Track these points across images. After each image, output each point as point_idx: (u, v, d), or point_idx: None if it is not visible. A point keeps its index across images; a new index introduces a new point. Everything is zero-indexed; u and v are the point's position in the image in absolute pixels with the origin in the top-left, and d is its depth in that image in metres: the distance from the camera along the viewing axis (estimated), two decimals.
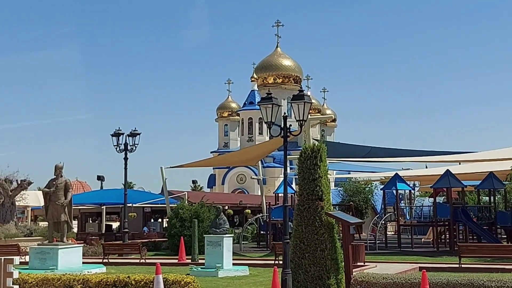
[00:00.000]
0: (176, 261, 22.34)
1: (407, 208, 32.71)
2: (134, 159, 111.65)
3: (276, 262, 19.16)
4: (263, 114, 13.29)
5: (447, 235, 28.95)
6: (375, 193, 40.79)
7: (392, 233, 37.98)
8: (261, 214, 33.64)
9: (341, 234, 13.54)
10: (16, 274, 12.44)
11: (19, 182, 29.70)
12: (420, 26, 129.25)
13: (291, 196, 29.37)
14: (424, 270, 11.75)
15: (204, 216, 27.33)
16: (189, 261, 22.09)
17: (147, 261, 22.07)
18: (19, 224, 30.31)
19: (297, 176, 13.41)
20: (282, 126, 13.32)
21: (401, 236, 29.81)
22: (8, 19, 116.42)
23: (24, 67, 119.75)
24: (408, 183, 32.54)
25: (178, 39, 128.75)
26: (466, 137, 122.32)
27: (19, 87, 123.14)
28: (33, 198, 38.04)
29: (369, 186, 41.02)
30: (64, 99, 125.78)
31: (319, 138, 52.34)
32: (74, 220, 37.13)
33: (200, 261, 21.30)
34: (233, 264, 19.56)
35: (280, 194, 32.92)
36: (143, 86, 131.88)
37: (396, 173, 30.64)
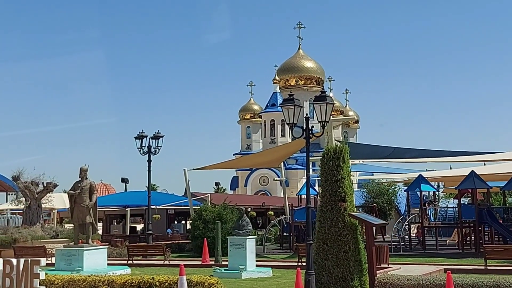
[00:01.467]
0: (199, 262, 22.45)
1: (432, 209, 32.36)
2: (158, 162, 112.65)
3: (300, 263, 19.14)
4: (285, 116, 13.31)
5: (472, 237, 28.62)
6: (399, 195, 40.48)
7: (416, 235, 37.67)
8: (284, 216, 33.62)
9: (364, 236, 13.50)
10: (42, 275, 12.63)
11: (45, 185, 30.00)
12: (443, 24, 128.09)
13: (314, 197, 29.31)
14: (449, 272, 11.63)
15: (227, 218, 27.41)
16: (213, 262, 22.15)
17: (171, 262, 22.19)
18: (46, 226, 30.61)
19: (319, 178, 13.38)
20: (304, 127, 13.31)
21: (426, 238, 29.54)
22: (33, 26, 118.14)
23: (50, 73, 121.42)
24: (432, 184, 32.21)
25: (200, 42, 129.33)
26: (491, 137, 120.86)
27: (46, 91, 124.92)
28: (59, 200, 38.50)
29: (392, 187, 40.71)
30: (89, 103, 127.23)
31: (341, 140, 52.14)
32: (99, 222, 37.52)
33: (224, 262, 21.35)
34: (256, 265, 19.59)
35: (303, 196, 32.86)
36: (166, 89, 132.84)
37: (420, 174, 30.34)
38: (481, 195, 35.55)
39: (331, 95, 64.44)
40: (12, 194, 46.71)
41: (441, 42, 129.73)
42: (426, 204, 30.73)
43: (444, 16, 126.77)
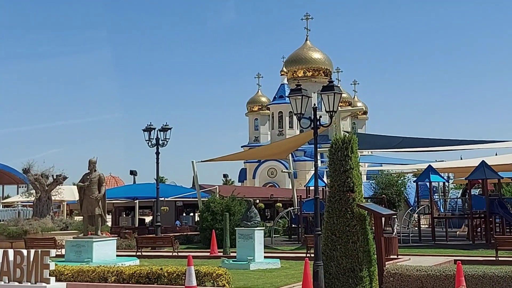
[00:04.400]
0: (208, 254, 22.48)
1: (441, 200, 32.17)
2: (166, 154, 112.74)
3: (308, 254, 19.10)
4: (293, 106, 13.22)
5: (483, 228, 28.44)
6: (408, 186, 40.30)
7: (426, 226, 37.52)
8: (292, 208, 33.60)
9: (373, 226, 13.42)
10: (52, 266, 12.71)
11: (54, 177, 30.16)
12: (452, 13, 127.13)
13: (323, 189, 29.25)
14: (459, 262, 11.53)
15: (235, 209, 27.41)
16: (221, 254, 22.18)
17: (179, 254, 22.23)
18: (55, 218, 30.78)
19: (328, 169, 13.30)
20: (312, 118, 13.23)
21: (435, 229, 29.40)
22: (46, 25, 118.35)
23: (60, 70, 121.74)
24: (442, 175, 32.01)
25: (207, 35, 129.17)
26: (504, 130, 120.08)
27: (57, 88, 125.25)
28: (68, 193, 38.64)
29: (401, 178, 40.54)
30: (98, 97, 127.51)
31: (350, 131, 51.93)
32: (108, 214, 37.64)
33: (232, 254, 21.37)
34: (265, 257, 19.58)
35: (311, 188, 32.78)
36: (174, 82, 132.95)
37: (430, 165, 30.17)
38: (492, 185, 35.31)
39: (339, 86, 64.27)
40: (23, 187, 46.96)
41: (451, 32, 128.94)
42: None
43: (455, 6, 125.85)
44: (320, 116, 13.43)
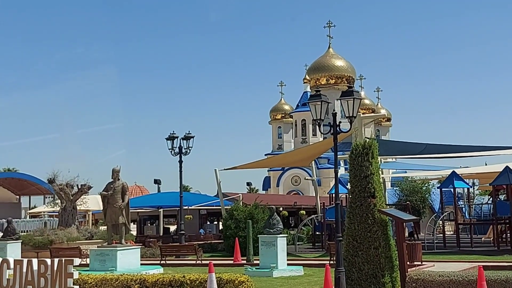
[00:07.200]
0: (231, 262, 22.52)
1: (466, 206, 31.81)
2: (190, 163, 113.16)
3: (331, 261, 19.05)
4: (312, 112, 13.26)
5: (509, 234, 28.06)
6: (433, 192, 39.93)
7: (451, 232, 37.13)
8: (315, 215, 33.50)
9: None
10: (76, 275, 12.82)
11: (79, 187, 30.49)
12: (474, 19, 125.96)
13: (346, 196, 29.13)
14: (481, 266, 11.40)
15: (258, 217, 27.46)
16: (244, 262, 22.21)
17: (203, 262, 22.29)
18: (81, 227, 31.11)
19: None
20: (332, 123, 13.26)
21: (460, 235, 29.09)
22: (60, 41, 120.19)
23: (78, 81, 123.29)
24: (467, 181, 31.69)
25: (231, 43, 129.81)
26: None
27: (76, 95, 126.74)
28: (93, 202, 39.05)
29: (426, 185, 40.20)
30: (121, 105, 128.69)
31: (374, 138, 51.66)
32: (133, 223, 38.00)
33: (255, 261, 21.39)
34: (288, 264, 19.57)
35: (334, 195, 32.69)
36: (198, 91, 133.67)
37: (453, 171, 29.91)
38: None
39: (362, 93, 64.03)
40: (48, 197, 47.56)
41: (475, 36, 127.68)
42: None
43: (478, 10, 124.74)
44: (340, 121, 13.45)
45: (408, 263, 13.88)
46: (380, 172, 13.55)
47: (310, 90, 63.67)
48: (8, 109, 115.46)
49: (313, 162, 36.90)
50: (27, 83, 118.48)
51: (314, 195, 39.74)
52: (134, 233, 35.49)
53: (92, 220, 45.31)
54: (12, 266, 12.29)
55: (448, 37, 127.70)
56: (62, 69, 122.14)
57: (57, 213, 34.62)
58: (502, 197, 35.08)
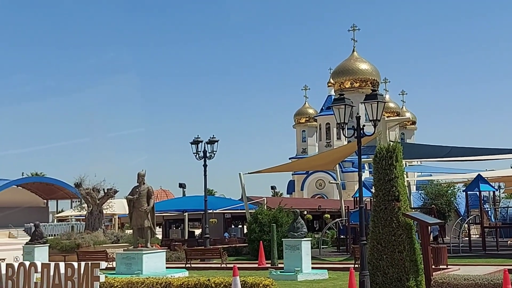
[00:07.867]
0: (256, 265, 22.58)
1: (492, 210, 31.45)
2: (215, 167, 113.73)
3: (356, 265, 19.01)
4: (336, 115, 13.30)
5: None
6: (458, 196, 39.54)
7: (477, 236, 36.73)
8: (340, 219, 33.41)
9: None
10: (102, 278, 13.00)
11: (105, 191, 30.82)
12: (502, 18, 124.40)
13: (370, 199, 29.00)
14: (506, 270, 11.32)
15: (282, 220, 27.50)
16: (269, 265, 22.26)
17: (228, 265, 22.40)
18: (107, 231, 31.44)
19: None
20: (355, 127, 13.28)
21: (486, 239, 28.76)
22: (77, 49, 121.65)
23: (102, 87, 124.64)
24: (493, 185, 31.33)
25: (254, 48, 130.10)
26: None
27: (102, 100, 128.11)
28: (119, 206, 39.47)
29: (451, 188, 39.82)
30: (146, 110, 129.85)
31: (398, 141, 51.30)
32: (159, 227, 38.27)
33: (280, 265, 21.42)
34: (312, 268, 19.57)
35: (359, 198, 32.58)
36: (223, 95, 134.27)
37: (479, 174, 29.60)
38: None
39: (387, 97, 63.65)
40: (76, 201, 48.22)
41: (502, 36, 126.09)
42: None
43: (506, 9, 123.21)
44: (364, 125, 13.45)
45: (433, 266, 13.82)
46: (405, 176, 13.51)
47: (334, 94, 63.47)
48: (44, 114, 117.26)
49: (337, 165, 36.82)
50: (62, 88, 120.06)
51: (338, 198, 39.61)
52: (160, 236, 35.75)
53: (118, 223, 45.79)
54: (39, 269, 12.52)
55: (474, 38, 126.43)
56: (94, 74, 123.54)
57: (84, 217, 35.10)
58: None
